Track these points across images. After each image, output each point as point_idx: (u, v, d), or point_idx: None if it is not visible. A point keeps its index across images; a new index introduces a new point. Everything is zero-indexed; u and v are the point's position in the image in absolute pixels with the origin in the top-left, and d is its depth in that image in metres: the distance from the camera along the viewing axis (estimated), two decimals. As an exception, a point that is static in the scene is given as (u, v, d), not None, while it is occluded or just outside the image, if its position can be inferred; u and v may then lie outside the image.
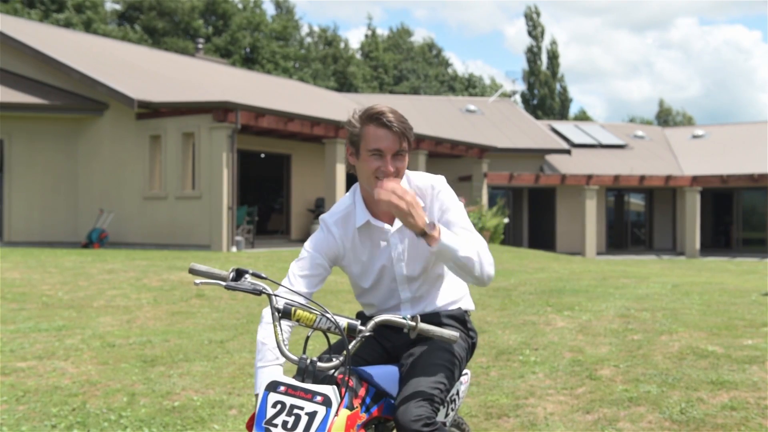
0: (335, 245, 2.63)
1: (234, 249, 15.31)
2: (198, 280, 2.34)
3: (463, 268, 2.43)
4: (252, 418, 2.16)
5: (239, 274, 2.33)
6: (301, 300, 2.43)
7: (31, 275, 9.70)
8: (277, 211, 21.89)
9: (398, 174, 2.54)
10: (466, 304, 2.79)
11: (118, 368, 5.19)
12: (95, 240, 15.97)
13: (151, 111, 16.12)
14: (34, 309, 7.42)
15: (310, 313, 2.24)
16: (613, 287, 8.96)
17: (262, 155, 19.92)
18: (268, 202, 22.35)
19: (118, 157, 16.78)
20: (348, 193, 2.70)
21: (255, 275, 2.33)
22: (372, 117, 2.51)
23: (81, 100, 17.09)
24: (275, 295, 2.29)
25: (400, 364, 2.58)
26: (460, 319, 2.73)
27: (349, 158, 2.61)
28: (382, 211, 2.59)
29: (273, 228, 21.54)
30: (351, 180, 19.35)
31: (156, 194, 16.25)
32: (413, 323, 2.25)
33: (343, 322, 2.24)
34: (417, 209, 2.36)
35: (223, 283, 2.31)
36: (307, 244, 2.65)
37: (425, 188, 2.61)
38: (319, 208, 19.66)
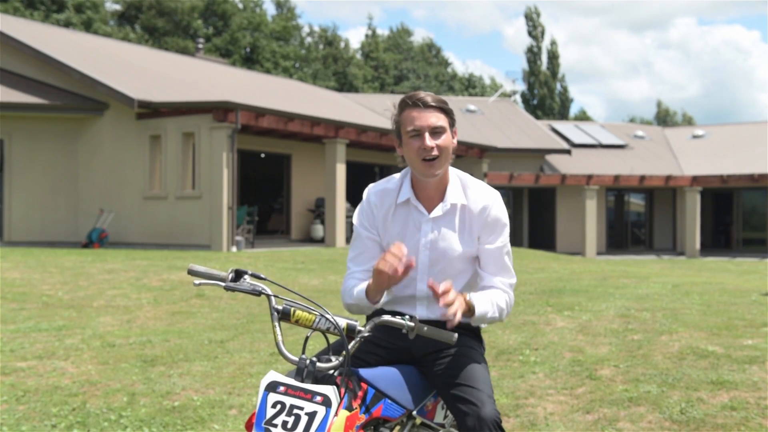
0: (370, 214, 2.65)
1: (234, 249, 15.31)
2: (197, 280, 2.34)
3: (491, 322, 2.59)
4: (251, 418, 2.16)
5: (238, 274, 2.33)
6: (301, 301, 2.42)
7: (31, 275, 9.70)
8: (277, 211, 21.89)
9: (440, 152, 2.51)
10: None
11: (118, 368, 5.18)
12: (95, 240, 15.97)
13: (151, 111, 16.12)
14: (34, 309, 7.42)
15: (310, 313, 2.24)
16: (613, 287, 8.96)
17: (262, 155, 19.91)
18: (268, 202, 22.35)
19: (118, 157, 16.79)
20: (401, 173, 2.70)
21: (254, 276, 2.33)
22: (406, 101, 2.54)
23: (81, 100, 17.09)
24: (274, 296, 2.29)
25: (431, 361, 2.55)
26: (475, 331, 2.71)
27: (397, 150, 2.62)
28: (425, 195, 2.61)
29: (273, 228, 21.54)
30: (351, 179, 19.37)
31: (156, 194, 16.25)
32: (411, 324, 2.24)
33: (343, 323, 2.24)
34: (458, 308, 2.33)
35: (223, 284, 2.31)
36: (354, 218, 2.70)
37: (476, 209, 2.59)
38: (319, 207, 19.65)
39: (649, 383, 4.65)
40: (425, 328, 2.26)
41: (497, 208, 2.60)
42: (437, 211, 2.59)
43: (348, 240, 18.49)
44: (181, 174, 15.89)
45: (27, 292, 8.35)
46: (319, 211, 19.48)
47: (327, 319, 2.22)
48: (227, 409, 4.39)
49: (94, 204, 17.00)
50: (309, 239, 19.57)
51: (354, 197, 19.72)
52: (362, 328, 2.25)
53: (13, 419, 4.24)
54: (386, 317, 2.29)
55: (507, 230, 2.62)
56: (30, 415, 4.30)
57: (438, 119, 2.51)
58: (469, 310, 2.45)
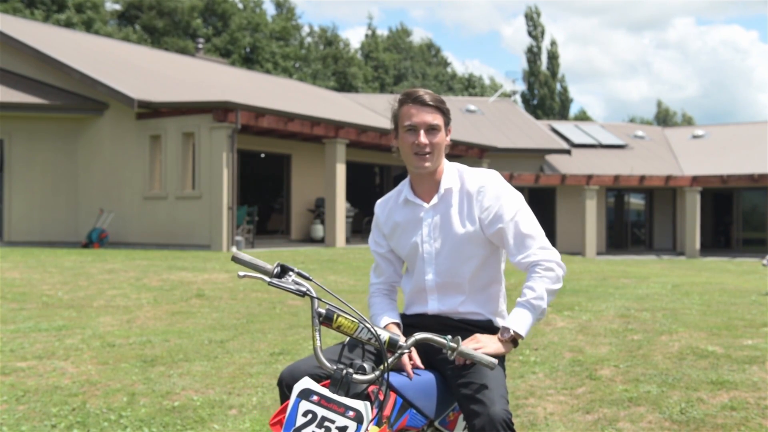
0: (376, 225, 2.82)
1: (234, 249, 15.31)
2: (242, 272, 2.27)
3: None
4: (277, 415, 2.13)
5: (284, 270, 2.26)
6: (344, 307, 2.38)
7: (31, 275, 9.70)
8: (277, 211, 21.88)
9: (433, 149, 2.59)
10: (500, 321, 2.72)
11: (118, 368, 5.18)
12: (95, 240, 15.97)
13: (151, 111, 16.12)
14: (34, 309, 7.42)
15: (352, 322, 2.19)
16: (613, 287, 8.96)
17: (262, 155, 19.91)
18: (268, 202, 22.35)
19: (118, 157, 16.79)
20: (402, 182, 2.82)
21: (300, 275, 2.26)
22: (406, 97, 2.63)
23: (81, 100, 17.09)
24: (318, 299, 2.22)
25: (447, 362, 2.51)
26: (494, 332, 2.66)
27: (392, 142, 2.70)
28: (422, 191, 2.69)
29: (273, 228, 21.53)
30: (351, 179, 19.37)
31: (156, 194, 16.25)
32: (454, 345, 2.21)
33: (385, 336, 2.19)
34: (485, 345, 2.47)
35: (267, 279, 2.25)
36: (369, 237, 2.87)
37: (474, 189, 2.63)
38: (319, 207, 19.65)
39: (649, 383, 4.65)
40: (466, 351, 2.23)
41: (496, 184, 2.62)
42: (434, 200, 2.66)
43: (348, 240, 18.51)
44: (181, 174, 15.88)
45: (27, 292, 8.35)
46: (319, 211, 19.48)
47: (368, 329, 2.18)
48: (227, 409, 4.39)
49: (94, 204, 17.00)
50: (309, 239, 19.56)
51: (354, 197, 19.71)
52: (403, 344, 2.19)
53: (13, 419, 4.24)
54: (429, 335, 2.24)
55: (513, 201, 2.60)
56: (30, 415, 4.30)
57: (434, 118, 2.59)
58: (516, 340, 2.54)
